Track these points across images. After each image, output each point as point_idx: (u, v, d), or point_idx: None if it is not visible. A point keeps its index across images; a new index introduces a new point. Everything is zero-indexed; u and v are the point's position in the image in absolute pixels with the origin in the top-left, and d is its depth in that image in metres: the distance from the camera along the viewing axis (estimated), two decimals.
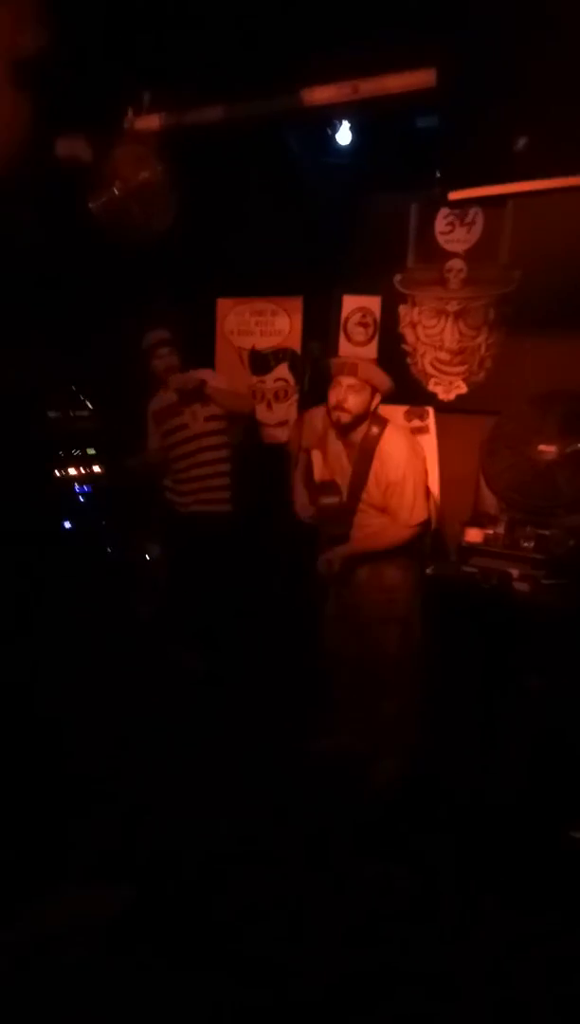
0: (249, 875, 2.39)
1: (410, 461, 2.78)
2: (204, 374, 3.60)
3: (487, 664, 3.01)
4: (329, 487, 2.91)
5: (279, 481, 3.55)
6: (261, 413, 4.19)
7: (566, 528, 3.10)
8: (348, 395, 2.73)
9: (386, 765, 2.91)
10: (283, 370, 4.16)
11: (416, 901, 2.33)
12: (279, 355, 4.17)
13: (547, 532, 3.13)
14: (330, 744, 3.05)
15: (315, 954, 2.11)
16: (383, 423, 2.82)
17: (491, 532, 3.28)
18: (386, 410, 2.92)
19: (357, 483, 2.83)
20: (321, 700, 3.14)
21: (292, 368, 4.10)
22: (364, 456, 2.81)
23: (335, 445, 2.88)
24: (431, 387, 3.66)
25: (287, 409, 4.13)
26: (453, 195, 2.58)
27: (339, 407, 2.74)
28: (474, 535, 3.28)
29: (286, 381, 4.13)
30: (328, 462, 2.91)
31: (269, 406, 4.19)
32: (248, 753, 2.99)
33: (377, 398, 2.80)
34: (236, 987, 1.98)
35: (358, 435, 2.81)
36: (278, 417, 4.17)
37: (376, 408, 2.83)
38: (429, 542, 3.12)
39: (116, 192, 3.63)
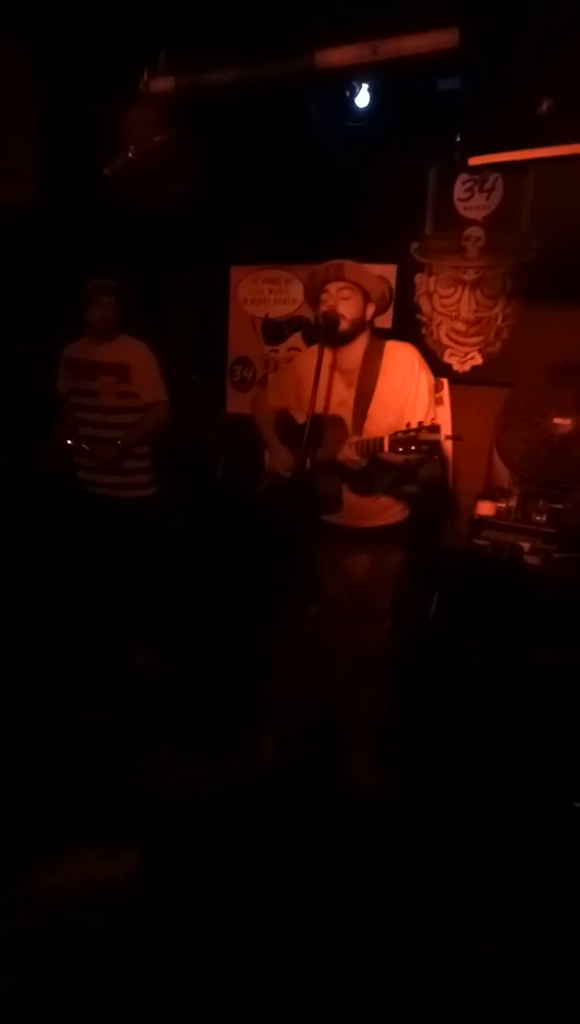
0: (254, 841, 2.43)
1: (423, 369, 2.48)
2: (134, 349, 3.31)
3: (497, 637, 3.03)
4: (330, 423, 2.47)
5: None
6: None
7: (578, 502, 3.09)
8: (338, 301, 2.41)
9: (364, 761, 2.77)
10: (297, 339, 4.12)
11: (424, 867, 2.38)
12: (293, 324, 4.14)
13: (560, 506, 3.12)
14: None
15: (323, 917, 2.15)
16: (382, 338, 2.52)
17: (503, 505, 3.28)
18: None
19: (360, 411, 2.45)
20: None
21: (305, 338, 4.06)
22: (368, 374, 2.45)
23: (326, 376, 2.45)
24: (446, 358, 3.62)
25: None
26: (473, 160, 2.51)
27: (330, 315, 2.40)
28: (486, 508, 3.27)
29: (300, 351, 4.10)
30: (318, 400, 2.43)
31: None
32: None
33: (371, 307, 2.47)
34: (244, 952, 2.02)
35: (356, 354, 2.49)
36: None
37: (372, 320, 2.52)
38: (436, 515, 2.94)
39: (130, 155, 3.59)
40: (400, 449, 2.22)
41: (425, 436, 2.16)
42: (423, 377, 2.46)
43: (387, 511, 2.57)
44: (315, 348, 2.61)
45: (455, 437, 2.27)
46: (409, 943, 2.09)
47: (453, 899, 2.25)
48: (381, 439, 2.26)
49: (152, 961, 1.97)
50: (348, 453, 2.35)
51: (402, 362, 2.46)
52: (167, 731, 2.98)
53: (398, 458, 2.28)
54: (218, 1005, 1.87)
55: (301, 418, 2.56)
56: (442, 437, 2.18)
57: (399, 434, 2.22)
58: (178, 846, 2.38)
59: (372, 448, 2.30)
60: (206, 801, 2.60)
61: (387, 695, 2.73)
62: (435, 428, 2.17)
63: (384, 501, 2.55)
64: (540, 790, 2.60)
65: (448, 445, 3.42)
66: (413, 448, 2.19)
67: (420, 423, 2.20)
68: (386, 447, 2.24)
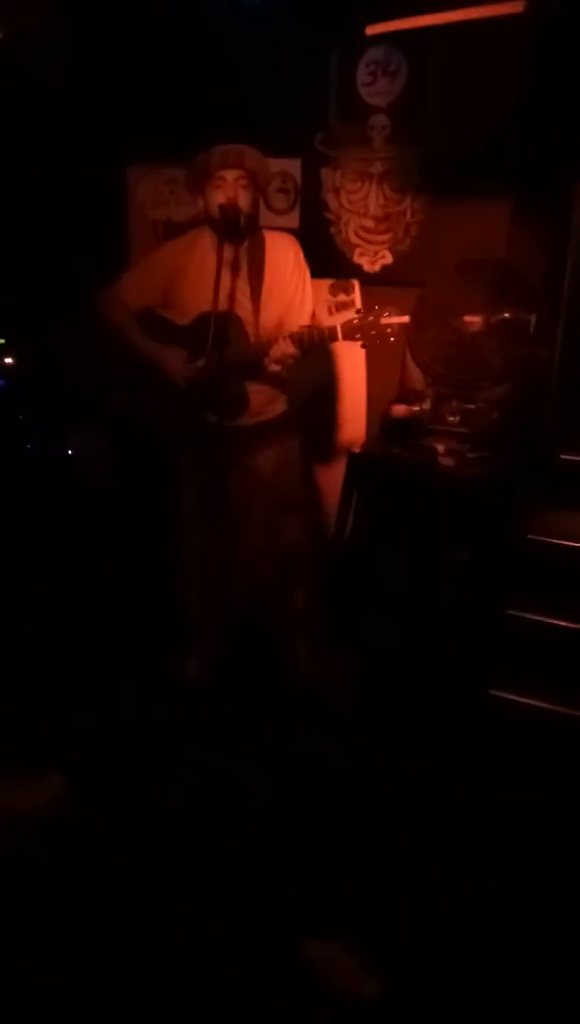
0: (180, 756, 2.43)
1: (304, 260, 2.42)
2: None
3: (414, 538, 3.04)
4: (229, 321, 2.31)
5: None
6: None
7: (490, 401, 3.08)
8: (238, 191, 2.25)
9: (307, 650, 2.86)
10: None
11: (346, 768, 2.43)
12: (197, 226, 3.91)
13: (472, 406, 3.11)
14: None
15: (250, 827, 2.17)
16: (259, 225, 2.43)
17: (417, 408, 3.24)
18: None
19: (254, 306, 2.35)
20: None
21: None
22: (254, 266, 2.33)
23: (224, 271, 2.23)
24: (356, 258, 3.49)
25: None
26: (371, 28, 2.35)
27: (231, 207, 2.22)
28: (400, 411, 3.23)
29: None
30: (206, 295, 2.24)
31: None
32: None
33: (260, 198, 2.43)
34: (174, 866, 2.02)
35: (241, 247, 2.36)
36: None
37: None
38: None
39: (8, 38, 3.27)
40: (358, 336, 2.13)
41: (388, 320, 2.09)
42: (306, 268, 2.42)
43: (277, 400, 2.53)
44: (182, 240, 2.49)
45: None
46: (337, 843, 2.14)
47: (383, 797, 2.31)
48: (333, 327, 2.17)
49: (89, 883, 1.97)
50: (285, 347, 2.23)
51: (289, 253, 2.39)
52: (93, 657, 2.94)
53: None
54: (155, 919, 1.88)
55: (181, 318, 2.42)
56: (406, 319, 2.14)
57: (355, 322, 2.13)
58: (108, 767, 2.37)
59: (318, 338, 2.20)
60: (136, 721, 2.60)
61: (317, 585, 2.78)
62: (395, 312, 2.11)
63: (272, 391, 2.49)
64: (455, 682, 2.67)
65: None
66: (374, 333, 2.12)
67: (376, 307, 2.14)
68: (339, 336, 2.15)
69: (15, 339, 3.88)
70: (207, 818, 2.19)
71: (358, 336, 2.14)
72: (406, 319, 2.11)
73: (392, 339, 2.14)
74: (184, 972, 1.75)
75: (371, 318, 2.11)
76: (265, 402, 2.49)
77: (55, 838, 2.07)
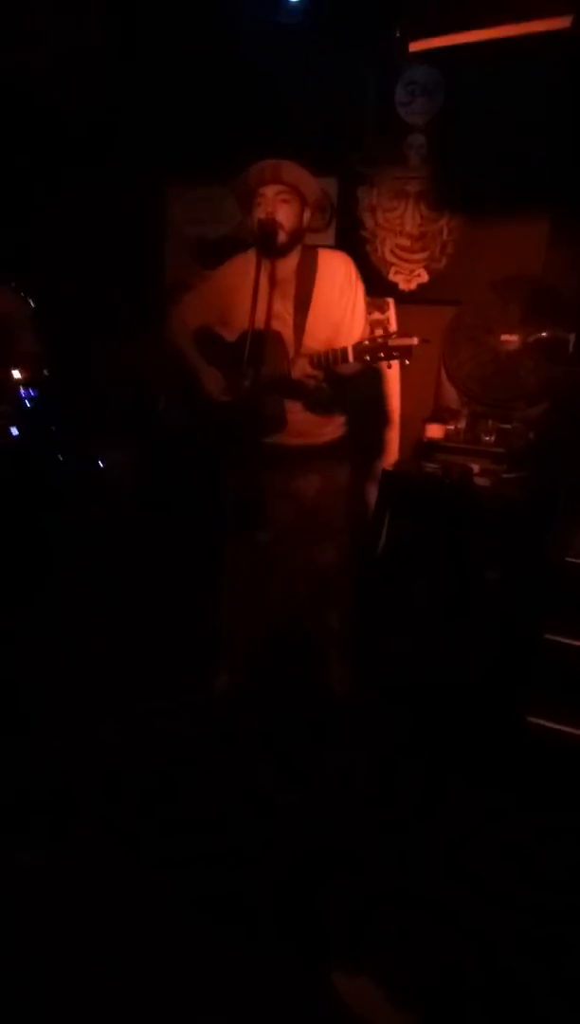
0: (207, 768, 2.43)
1: (359, 279, 2.36)
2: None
3: (448, 558, 3.01)
4: (268, 339, 2.30)
5: None
6: None
7: (526, 421, 3.05)
8: (277, 206, 2.23)
9: (341, 671, 2.84)
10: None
11: (378, 786, 2.40)
12: (230, 243, 3.93)
13: (508, 425, 3.08)
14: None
15: (279, 840, 2.15)
16: (313, 246, 2.38)
17: (452, 427, 3.21)
18: None
19: (299, 325, 2.32)
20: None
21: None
22: (303, 285, 2.30)
23: (262, 288, 2.24)
24: (392, 276, 3.48)
25: None
26: (414, 45, 2.34)
27: (270, 222, 2.22)
28: (435, 431, 3.21)
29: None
30: (251, 316, 2.25)
31: None
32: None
33: (307, 213, 2.31)
34: (201, 884, 2.00)
35: (290, 264, 2.33)
36: None
37: (307, 227, 2.35)
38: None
39: (48, 57, 3.32)
40: (367, 358, 2.10)
41: (396, 342, 2.05)
42: (359, 288, 2.36)
43: (330, 424, 2.50)
44: (238, 259, 2.48)
45: (425, 340, 2.15)
46: (365, 863, 2.11)
47: (415, 822, 2.27)
48: (344, 349, 2.14)
49: (112, 901, 1.96)
50: (304, 367, 2.21)
51: (339, 272, 2.34)
52: (123, 671, 2.94)
53: (354, 368, 2.17)
54: (179, 942, 1.86)
55: (230, 335, 2.43)
56: (415, 342, 2.06)
57: (366, 343, 2.10)
58: (136, 781, 2.36)
59: (332, 360, 2.18)
60: (166, 736, 2.58)
61: (352, 608, 2.75)
62: (407, 334, 2.07)
63: (320, 413, 2.46)
64: (490, 706, 2.63)
65: (394, 374, 3.35)
66: (382, 355, 2.09)
67: (385, 330, 2.11)
68: (350, 357, 2.12)
69: (52, 350, 3.92)
70: (234, 836, 2.17)
71: (368, 357, 2.11)
72: (414, 341, 2.04)
73: (407, 362, 2.09)
74: (205, 997, 1.73)
75: (381, 340, 2.08)
76: (311, 424, 2.46)
77: (78, 856, 2.07)
